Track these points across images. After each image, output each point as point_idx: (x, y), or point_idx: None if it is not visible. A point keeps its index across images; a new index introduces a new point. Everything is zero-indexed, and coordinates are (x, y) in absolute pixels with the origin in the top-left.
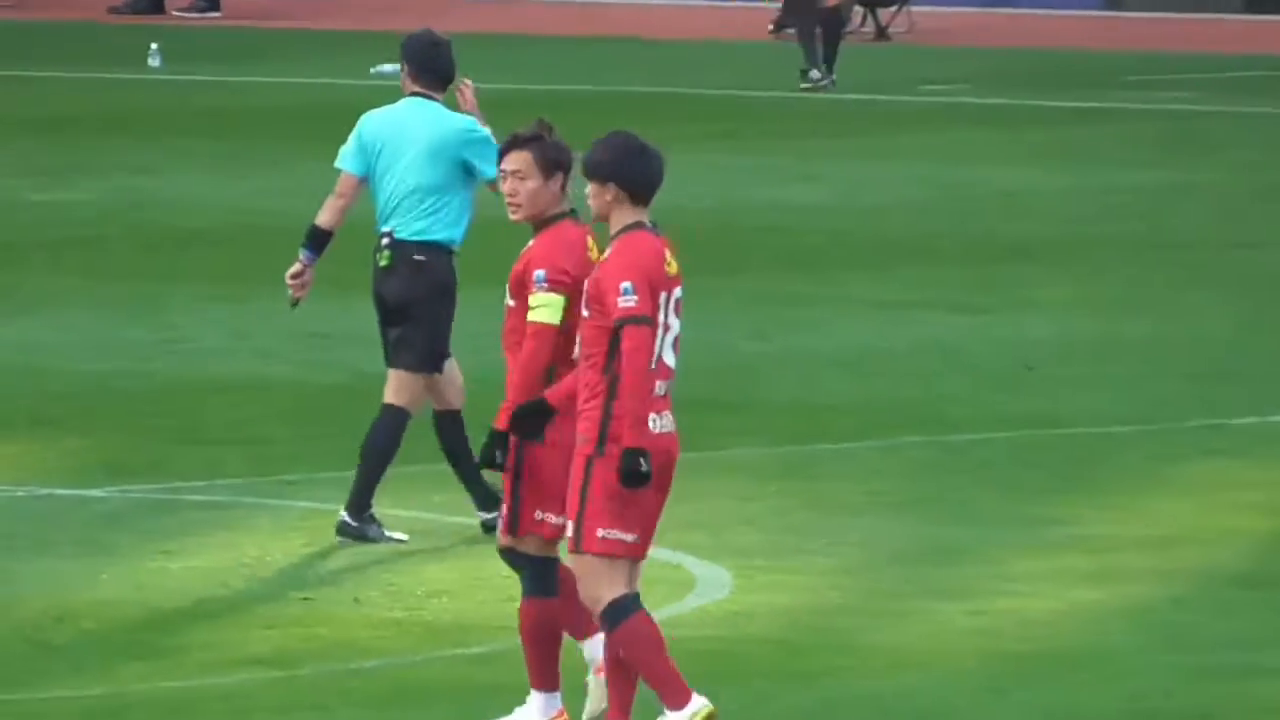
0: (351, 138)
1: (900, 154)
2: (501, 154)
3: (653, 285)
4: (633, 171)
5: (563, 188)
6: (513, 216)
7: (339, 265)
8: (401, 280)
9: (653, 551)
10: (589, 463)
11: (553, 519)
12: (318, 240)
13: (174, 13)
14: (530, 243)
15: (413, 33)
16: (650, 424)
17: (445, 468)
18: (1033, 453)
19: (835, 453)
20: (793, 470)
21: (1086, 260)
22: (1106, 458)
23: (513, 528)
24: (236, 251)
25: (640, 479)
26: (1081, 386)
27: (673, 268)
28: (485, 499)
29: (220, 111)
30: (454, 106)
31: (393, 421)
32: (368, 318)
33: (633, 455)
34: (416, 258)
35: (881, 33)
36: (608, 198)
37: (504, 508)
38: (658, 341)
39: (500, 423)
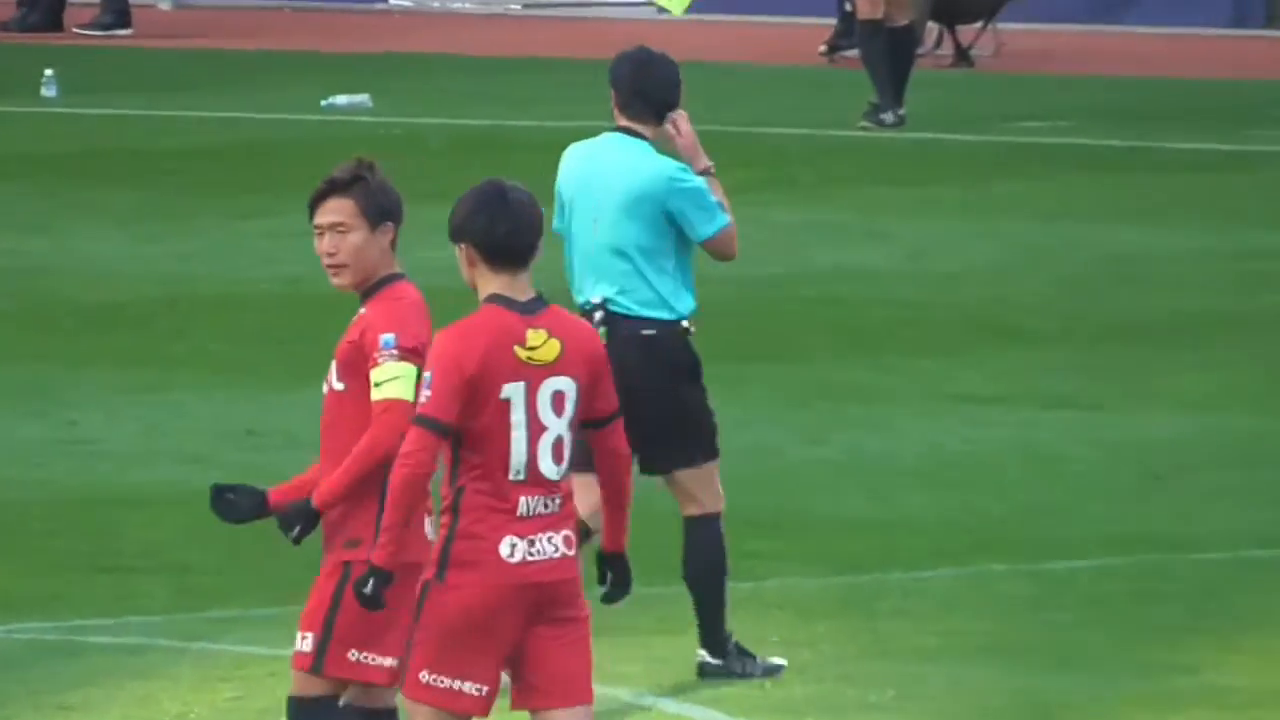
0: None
1: (985, 207)
2: (313, 204)
3: (481, 377)
4: (479, 228)
5: (393, 242)
6: (336, 281)
7: (270, 344)
8: (627, 363)
9: (681, 709)
10: (425, 589)
11: (379, 660)
12: None
13: (74, 30)
14: (361, 311)
15: (623, 51)
16: (505, 550)
17: None
18: (1154, 583)
19: (905, 583)
20: (852, 604)
21: (1222, 341)
22: (1246, 590)
23: (316, 663)
24: (153, 330)
25: (367, 601)
26: (1215, 500)
27: (545, 351)
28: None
29: (133, 154)
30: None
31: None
32: (308, 409)
33: (366, 576)
34: (644, 334)
35: (962, 55)
36: (464, 263)
37: (303, 636)
38: (522, 444)
39: (318, 501)
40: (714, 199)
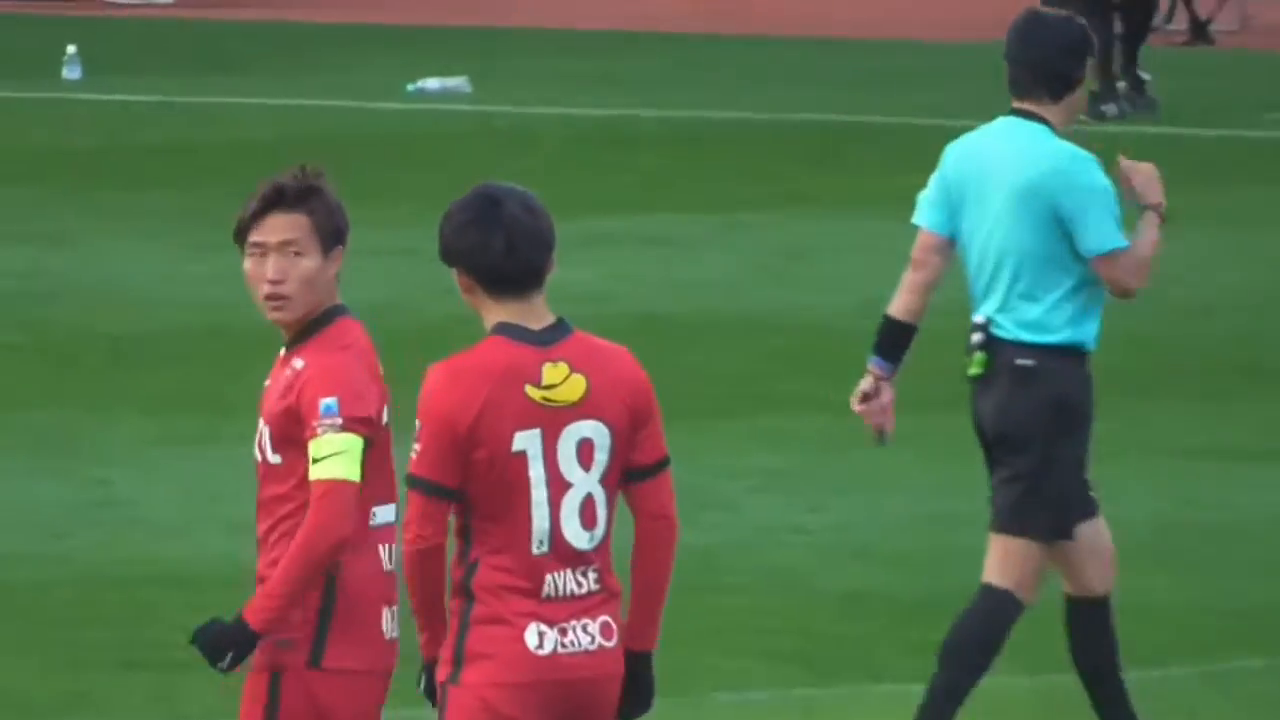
0: (933, 177)
1: (1231, 218)
2: (255, 216)
3: (483, 426)
4: (472, 248)
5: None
6: (277, 316)
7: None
8: (1002, 398)
9: None
10: (443, 693)
11: None
12: (893, 338)
13: None
14: (289, 356)
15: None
16: (531, 640)
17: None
18: None
19: (1140, 682)
20: (1054, 709)
21: None
22: None
23: None
24: (198, 368)
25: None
26: None
27: (566, 389)
28: None
29: (171, 150)
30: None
31: (995, 611)
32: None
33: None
34: (1020, 363)
35: (1200, 31)
36: (462, 290)
37: None
38: (543, 506)
39: (254, 618)
40: (1116, 208)
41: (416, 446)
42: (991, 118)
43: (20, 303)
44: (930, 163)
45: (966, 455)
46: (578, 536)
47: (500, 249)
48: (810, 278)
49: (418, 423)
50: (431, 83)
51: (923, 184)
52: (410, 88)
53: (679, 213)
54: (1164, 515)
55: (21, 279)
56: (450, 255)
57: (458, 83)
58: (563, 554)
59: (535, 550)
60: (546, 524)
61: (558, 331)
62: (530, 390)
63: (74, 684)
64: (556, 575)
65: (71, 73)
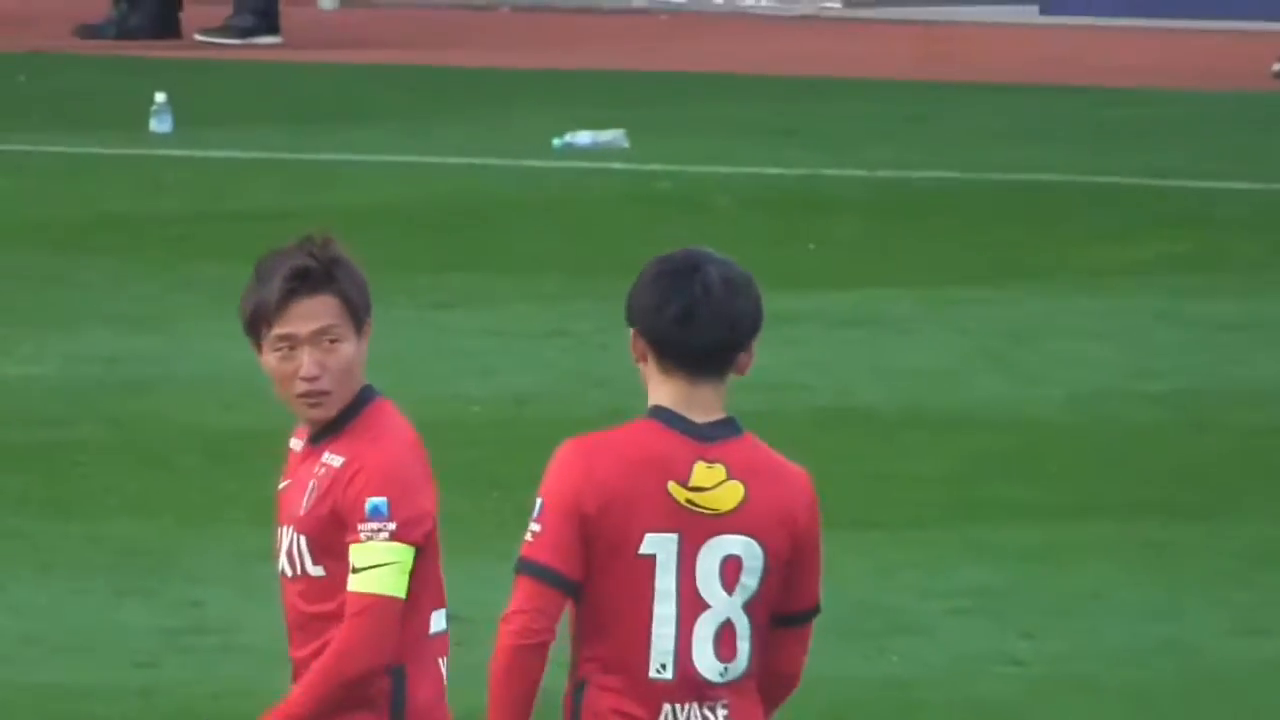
0: None
1: None
2: (278, 305)
3: (609, 518)
4: (648, 307)
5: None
6: (316, 414)
7: (484, 488)
8: None
9: None
10: None
11: None
12: None
13: (196, 37)
14: (317, 450)
15: None
16: None
17: None
18: None
19: None
20: None
21: None
22: None
23: None
24: None
25: None
26: None
27: (718, 496)
28: None
29: (278, 215)
30: None
31: None
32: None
33: None
34: None
35: None
36: (634, 356)
37: None
38: (669, 625)
39: None
40: None
41: (535, 527)
42: (1249, 176)
43: (105, 394)
44: (1174, 229)
45: (1202, 568)
46: (710, 668)
47: (675, 315)
48: (1034, 364)
49: (538, 500)
50: (583, 136)
51: (1168, 252)
52: (558, 142)
53: (879, 288)
54: None
55: (106, 366)
56: (630, 312)
57: (613, 136)
58: (689, 684)
59: (653, 674)
60: (671, 645)
61: (724, 429)
62: (674, 488)
63: None
64: (678, 708)
65: (160, 125)
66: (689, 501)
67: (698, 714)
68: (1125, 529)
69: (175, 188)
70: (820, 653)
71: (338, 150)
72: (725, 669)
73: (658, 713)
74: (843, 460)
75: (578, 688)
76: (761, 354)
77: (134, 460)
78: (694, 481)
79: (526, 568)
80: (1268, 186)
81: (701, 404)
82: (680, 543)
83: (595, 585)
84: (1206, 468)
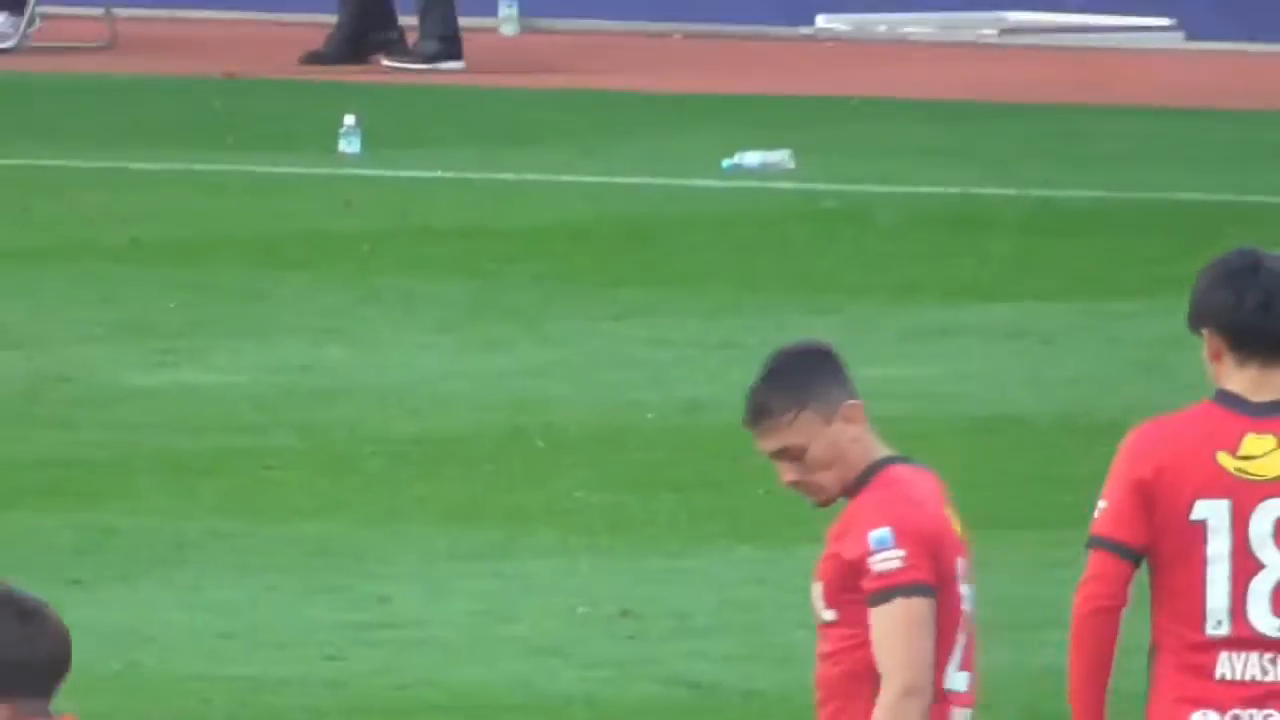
0: None
1: None
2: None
3: (1161, 487)
4: (1223, 306)
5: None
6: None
7: (658, 492)
8: None
9: None
10: None
11: None
12: None
13: (382, 63)
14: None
15: None
16: None
17: None
18: None
19: None
20: None
21: None
22: None
23: None
24: (494, 474)
25: None
26: None
27: (1267, 463)
28: None
29: (462, 232)
30: None
31: None
32: (707, 582)
33: None
34: None
35: None
36: (1209, 357)
37: None
38: (1222, 583)
39: None
40: None
41: (1101, 504)
42: None
43: (295, 401)
44: None
45: None
46: (1265, 622)
47: (1255, 304)
48: (1187, 373)
49: (1107, 480)
50: (751, 157)
51: None
52: (727, 163)
53: (1034, 301)
54: None
55: (296, 375)
56: (1198, 316)
57: (780, 157)
58: (1244, 638)
59: (1210, 630)
60: (1225, 603)
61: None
62: (1222, 457)
63: None
64: (1234, 657)
65: (349, 146)
66: (1238, 470)
67: (1256, 665)
68: None
69: (363, 206)
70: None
71: (517, 170)
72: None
73: (1214, 666)
74: (1004, 467)
75: (1151, 652)
76: (923, 364)
77: (323, 464)
78: (1243, 451)
79: (1093, 542)
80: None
81: (1269, 387)
82: (1231, 508)
83: (1153, 552)
84: None
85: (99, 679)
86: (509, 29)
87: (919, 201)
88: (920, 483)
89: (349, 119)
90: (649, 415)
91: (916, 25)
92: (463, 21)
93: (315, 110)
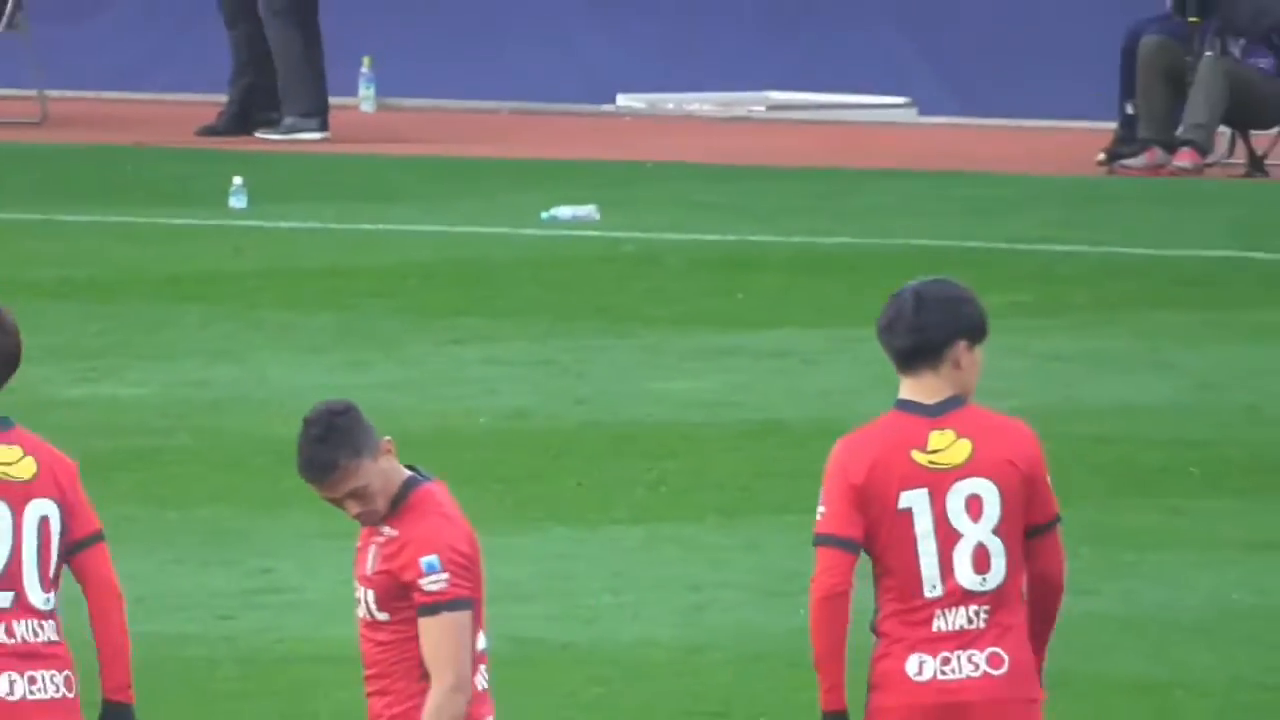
0: None
1: None
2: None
3: (871, 486)
4: (881, 329)
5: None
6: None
7: (490, 485)
8: None
9: None
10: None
11: None
12: None
13: (258, 135)
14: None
15: None
16: (912, 669)
17: None
18: None
19: None
20: None
21: None
22: None
23: None
24: None
25: None
26: None
27: (950, 454)
28: None
29: (330, 273)
30: None
31: None
32: (533, 558)
33: None
34: None
35: (1256, 165)
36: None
37: None
38: (931, 556)
39: None
40: None
41: (822, 509)
42: (1081, 241)
43: (193, 410)
44: (1020, 282)
45: None
46: (969, 579)
47: (883, 328)
48: None
49: (823, 488)
50: (564, 210)
51: (1016, 301)
52: (545, 215)
53: (795, 328)
54: (1212, 598)
55: (194, 388)
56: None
57: (588, 210)
58: (954, 596)
59: (927, 593)
60: (936, 570)
61: (950, 404)
62: (916, 455)
63: None
64: (947, 613)
65: (238, 202)
66: (930, 463)
67: (963, 616)
68: None
69: (250, 251)
70: None
71: (374, 222)
72: (984, 579)
73: (930, 620)
74: (776, 460)
75: (875, 616)
76: (705, 379)
77: (216, 461)
78: (930, 447)
79: (820, 540)
80: (1096, 249)
81: (929, 391)
82: (929, 495)
83: (875, 540)
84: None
85: None
86: (368, 106)
87: (702, 247)
88: (443, 495)
89: (237, 180)
90: (481, 420)
91: (699, 103)
92: (330, 99)
93: (209, 173)
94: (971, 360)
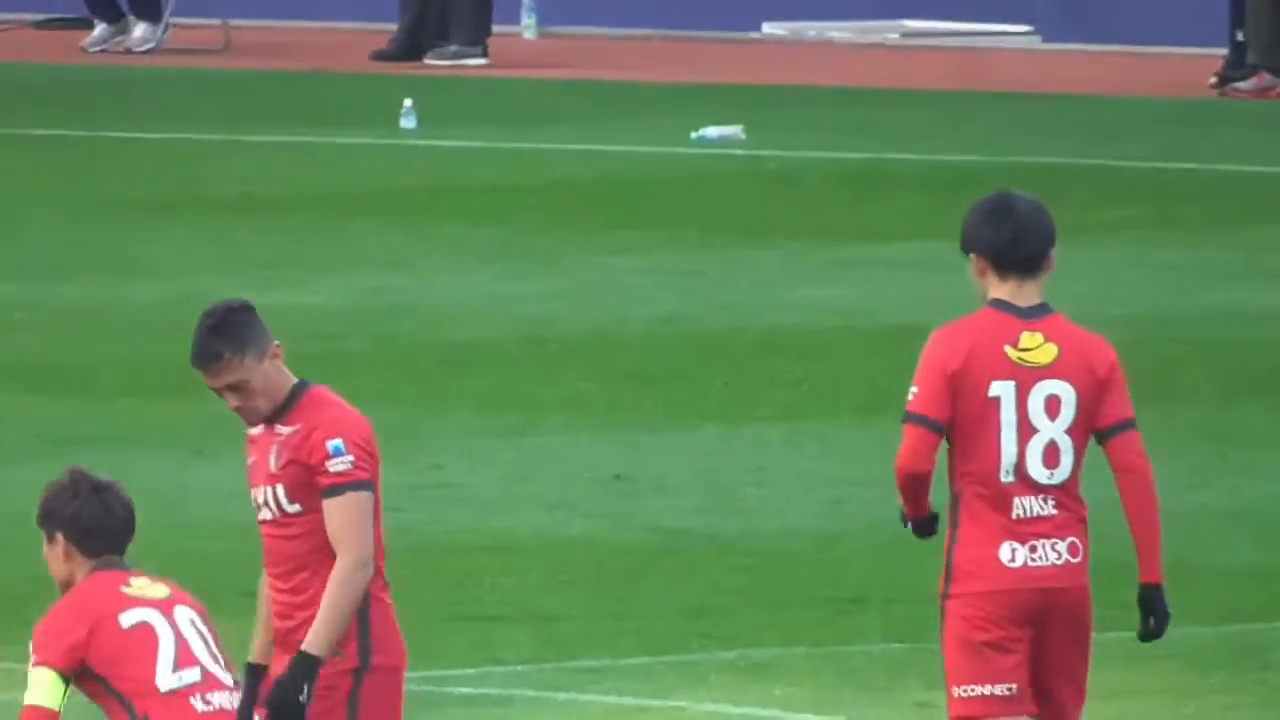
0: None
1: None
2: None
3: (966, 373)
4: (985, 238)
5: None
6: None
7: (642, 385)
8: None
9: None
10: (941, 604)
11: None
12: None
13: (427, 60)
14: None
15: None
16: (1005, 555)
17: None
18: None
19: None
20: (1245, 655)
21: None
22: None
23: None
24: (518, 372)
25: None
26: None
27: (1039, 354)
28: None
29: (493, 189)
30: None
31: None
32: (682, 452)
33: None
34: None
35: None
36: (975, 273)
37: None
38: (1011, 444)
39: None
40: None
41: (915, 390)
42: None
43: (368, 316)
44: (1134, 198)
45: (1159, 441)
46: (1040, 473)
47: (1009, 238)
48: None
49: (918, 371)
50: (712, 131)
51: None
52: (693, 135)
53: (935, 240)
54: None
55: (369, 296)
56: (968, 243)
57: (734, 131)
58: (1027, 484)
59: (1003, 479)
60: (1013, 459)
61: (1041, 310)
62: (1009, 350)
63: (409, 635)
64: (1024, 500)
65: (407, 122)
66: (1019, 359)
67: (1037, 505)
68: None
69: (419, 168)
70: None
71: (536, 142)
72: (1051, 474)
73: (1011, 506)
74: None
75: (955, 500)
76: (841, 286)
77: (388, 365)
78: (1022, 345)
79: (910, 419)
80: (1207, 167)
81: (1025, 295)
82: (1016, 388)
83: (962, 422)
84: (1164, 369)
85: (221, 527)
86: (529, 33)
87: (839, 165)
88: (336, 397)
89: (407, 102)
90: (636, 326)
91: (838, 30)
92: (494, 28)
93: (381, 96)
94: (1051, 264)
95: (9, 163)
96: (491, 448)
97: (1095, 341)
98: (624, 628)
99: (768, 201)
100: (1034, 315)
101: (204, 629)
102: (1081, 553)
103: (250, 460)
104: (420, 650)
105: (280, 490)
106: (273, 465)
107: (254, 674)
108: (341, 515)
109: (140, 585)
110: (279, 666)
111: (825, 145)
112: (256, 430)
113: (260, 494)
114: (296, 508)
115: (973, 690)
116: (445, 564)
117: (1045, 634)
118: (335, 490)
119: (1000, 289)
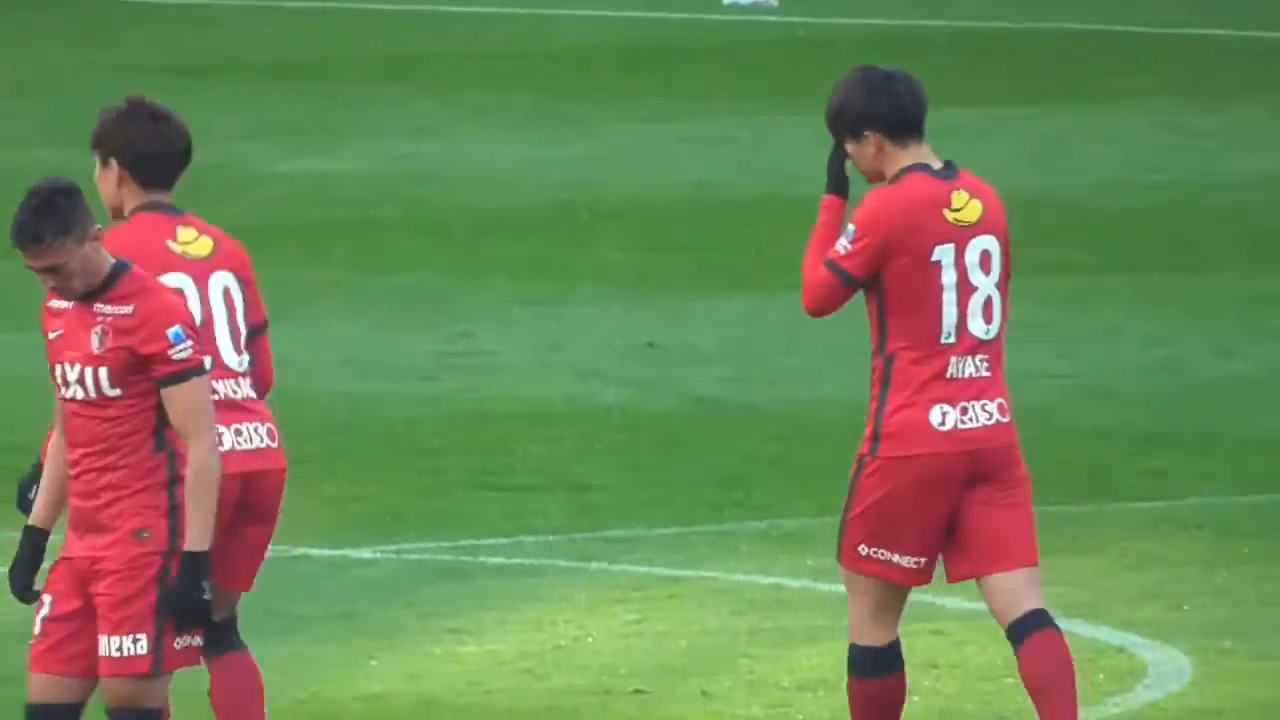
0: None
1: None
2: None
3: (909, 238)
4: (886, 110)
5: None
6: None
7: (675, 253)
8: None
9: (1094, 631)
10: (860, 464)
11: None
12: None
13: None
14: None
15: None
16: (935, 419)
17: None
18: None
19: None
20: (1275, 524)
21: None
22: None
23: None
24: (551, 239)
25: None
26: None
27: (968, 211)
28: None
29: (525, 55)
30: None
31: None
32: (714, 321)
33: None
34: None
35: None
36: (873, 151)
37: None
38: (952, 305)
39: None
40: None
41: (848, 246)
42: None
43: (397, 183)
44: (1167, 63)
45: (1189, 308)
46: (980, 329)
47: (909, 103)
48: (1068, 164)
49: (851, 227)
50: None
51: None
52: (726, 2)
53: (960, 108)
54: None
55: (396, 161)
56: (857, 121)
57: None
58: (966, 344)
59: (943, 340)
60: (954, 320)
61: (952, 168)
62: (946, 213)
63: (439, 505)
64: (959, 360)
65: None
66: (955, 220)
67: (971, 365)
68: (1122, 281)
69: (450, 36)
70: None
71: (570, 7)
72: (988, 329)
73: (945, 367)
74: None
75: (888, 362)
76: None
77: (419, 231)
78: (954, 205)
79: (836, 269)
80: (1239, 34)
81: (931, 157)
82: (955, 249)
83: (903, 288)
84: (1191, 236)
85: None
86: None
87: (870, 31)
88: (157, 281)
89: None
90: (667, 194)
91: None
92: None
93: None
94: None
95: (41, 22)
96: (524, 315)
97: (994, 191)
98: (656, 497)
99: (799, 68)
100: (951, 175)
101: (237, 293)
102: (1009, 411)
103: (53, 334)
104: (451, 520)
105: (104, 373)
106: (95, 346)
107: (32, 538)
108: (189, 401)
109: (187, 238)
110: (79, 547)
111: (857, 11)
112: (62, 304)
113: (73, 372)
114: (117, 392)
115: (880, 553)
116: (476, 433)
117: (973, 491)
118: (180, 377)
119: (904, 157)
